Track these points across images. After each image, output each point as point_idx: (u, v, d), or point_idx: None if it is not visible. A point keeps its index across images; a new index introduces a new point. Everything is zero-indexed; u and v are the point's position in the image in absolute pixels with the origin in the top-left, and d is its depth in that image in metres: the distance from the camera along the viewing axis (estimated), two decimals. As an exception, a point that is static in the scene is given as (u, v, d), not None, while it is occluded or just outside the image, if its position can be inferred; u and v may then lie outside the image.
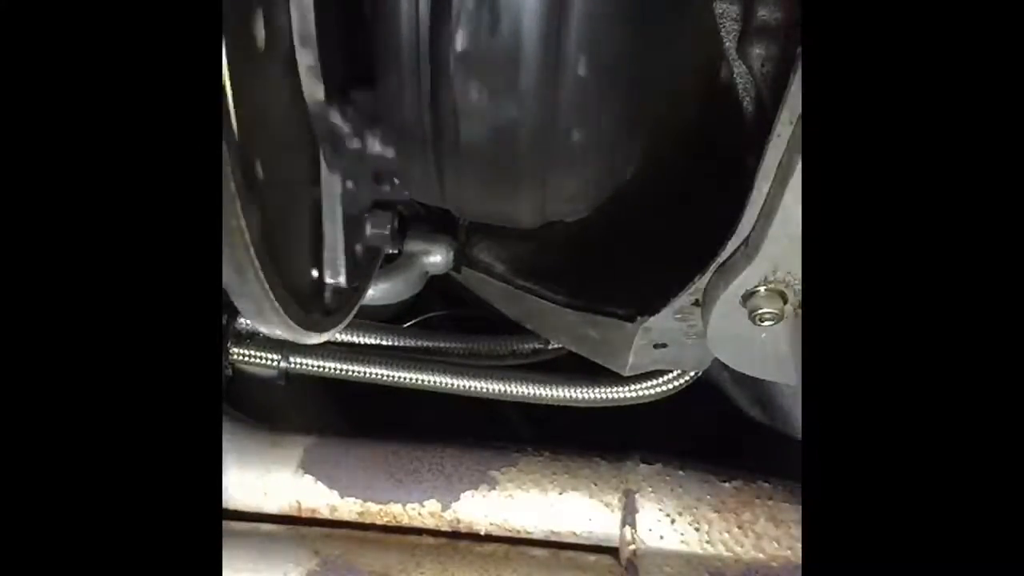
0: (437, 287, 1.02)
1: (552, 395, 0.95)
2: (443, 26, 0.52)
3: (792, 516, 0.82)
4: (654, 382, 0.92)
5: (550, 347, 1.01)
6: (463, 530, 0.86)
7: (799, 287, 0.66)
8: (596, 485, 0.85)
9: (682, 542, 0.82)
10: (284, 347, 0.98)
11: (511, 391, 0.96)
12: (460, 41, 0.52)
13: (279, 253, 0.58)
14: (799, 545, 0.80)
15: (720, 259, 0.68)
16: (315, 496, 0.87)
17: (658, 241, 0.83)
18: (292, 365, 0.99)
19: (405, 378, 0.98)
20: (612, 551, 0.84)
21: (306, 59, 0.58)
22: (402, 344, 1.03)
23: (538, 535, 0.85)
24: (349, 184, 0.70)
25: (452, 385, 0.97)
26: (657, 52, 0.59)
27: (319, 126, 0.63)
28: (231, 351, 0.98)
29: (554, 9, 0.51)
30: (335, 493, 0.87)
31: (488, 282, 0.92)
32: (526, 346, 1.02)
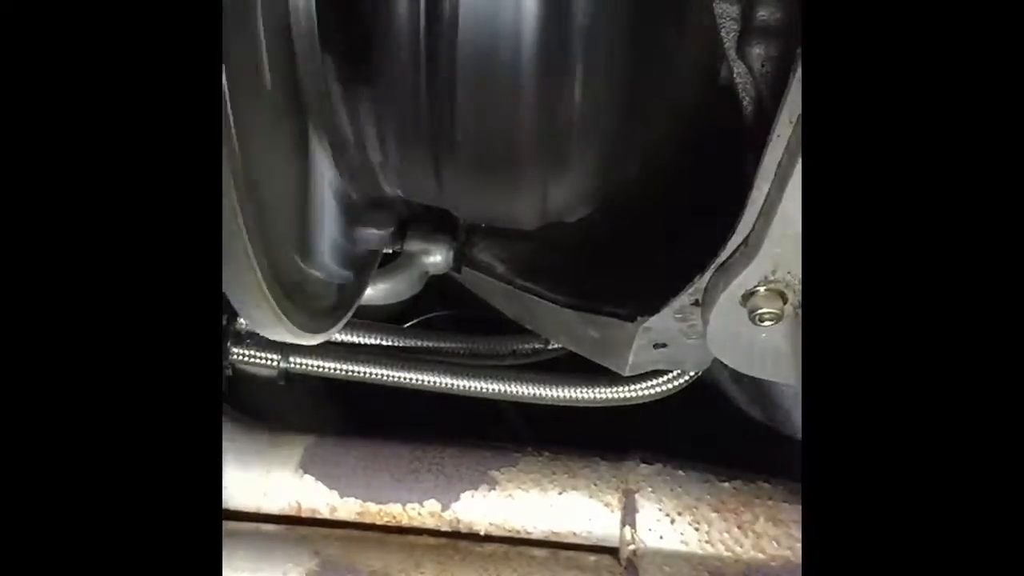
0: (437, 287, 1.02)
1: (552, 395, 0.95)
2: (442, 26, 0.52)
3: (792, 516, 0.82)
4: (654, 382, 0.92)
5: (550, 347, 1.01)
6: (463, 530, 0.86)
7: (799, 287, 0.66)
8: (596, 485, 0.85)
9: (682, 542, 0.82)
10: (284, 347, 0.98)
11: (511, 391, 0.96)
12: (459, 42, 0.52)
13: (277, 254, 0.58)
14: (799, 545, 0.80)
15: (720, 259, 0.68)
16: (315, 496, 0.87)
17: (658, 241, 0.83)
18: (292, 365, 0.99)
19: (405, 378, 0.98)
20: (612, 551, 0.84)
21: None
22: (402, 344, 1.03)
23: (538, 535, 0.85)
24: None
25: (452, 385, 0.97)
26: (657, 52, 0.59)
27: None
28: (231, 351, 0.98)
29: (553, 9, 0.51)
30: (335, 493, 0.87)
31: (488, 282, 0.92)
32: (526, 346, 1.02)
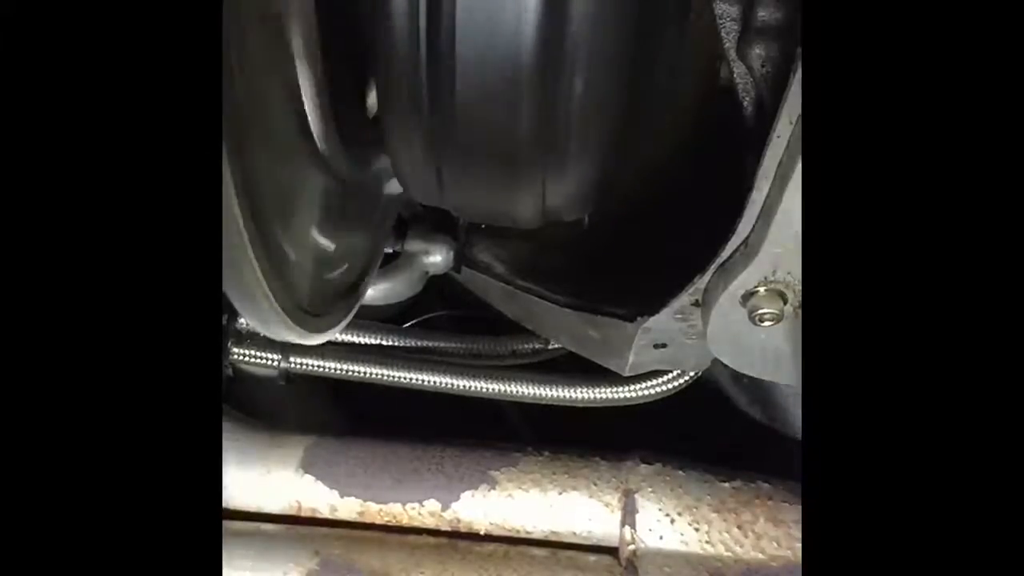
0: (437, 287, 1.02)
1: (552, 395, 0.95)
2: (441, 26, 0.52)
3: (792, 516, 0.82)
4: (654, 382, 0.92)
5: (550, 347, 1.01)
6: (463, 530, 0.86)
7: (799, 287, 0.66)
8: (596, 485, 0.85)
9: (682, 542, 0.82)
10: (284, 347, 0.98)
11: (511, 391, 0.96)
12: (459, 41, 0.52)
13: (278, 253, 0.58)
14: (799, 545, 0.80)
15: (720, 259, 0.68)
16: (315, 496, 0.87)
17: (658, 241, 0.83)
18: (292, 365, 0.99)
19: (405, 378, 0.98)
20: (612, 551, 0.84)
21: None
22: (402, 344, 1.03)
23: (538, 535, 0.85)
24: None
25: (452, 385, 0.97)
26: (657, 52, 0.59)
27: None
28: (231, 351, 0.98)
29: (553, 9, 0.51)
30: (335, 493, 0.87)
31: (488, 282, 0.92)
32: (526, 346, 1.02)
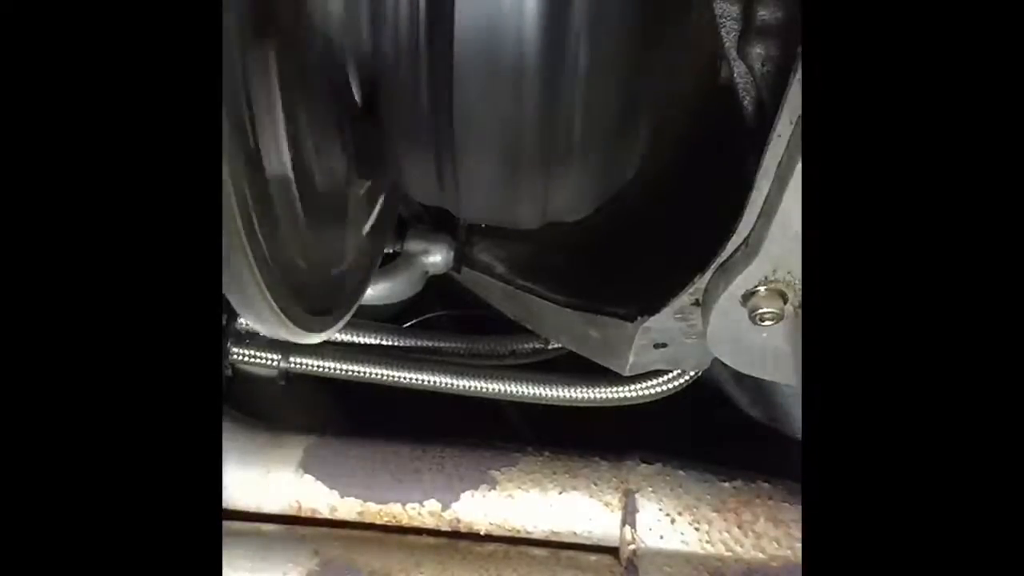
0: (437, 287, 1.02)
1: (552, 395, 0.95)
2: (443, 26, 0.52)
3: (792, 516, 0.82)
4: (654, 382, 0.92)
5: (550, 347, 1.01)
6: (463, 530, 0.86)
7: (799, 287, 0.66)
8: (596, 485, 0.85)
9: (682, 542, 0.82)
10: (284, 347, 0.98)
11: (511, 391, 0.96)
12: (459, 41, 0.52)
13: (277, 253, 0.58)
14: (799, 545, 0.80)
15: (720, 259, 0.68)
16: (315, 496, 0.87)
17: (658, 241, 0.83)
18: (292, 365, 0.99)
19: (405, 378, 0.98)
20: (612, 551, 0.84)
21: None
22: (402, 344, 1.03)
23: (538, 535, 0.85)
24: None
25: (452, 385, 0.97)
26: (657, 52, 0.59)
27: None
28: (231, 351, 0.98)
29: (554, 10, 0.51)
30: (335, 493, 0.87)
31: (488, 282, 0.92)
32: (526, 346, 1.02)
